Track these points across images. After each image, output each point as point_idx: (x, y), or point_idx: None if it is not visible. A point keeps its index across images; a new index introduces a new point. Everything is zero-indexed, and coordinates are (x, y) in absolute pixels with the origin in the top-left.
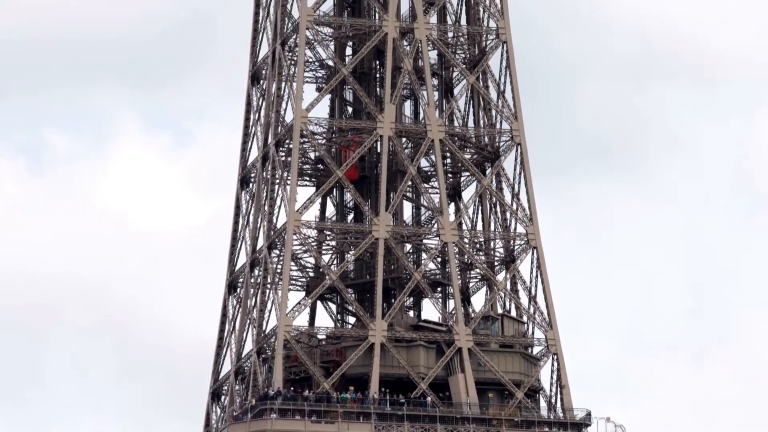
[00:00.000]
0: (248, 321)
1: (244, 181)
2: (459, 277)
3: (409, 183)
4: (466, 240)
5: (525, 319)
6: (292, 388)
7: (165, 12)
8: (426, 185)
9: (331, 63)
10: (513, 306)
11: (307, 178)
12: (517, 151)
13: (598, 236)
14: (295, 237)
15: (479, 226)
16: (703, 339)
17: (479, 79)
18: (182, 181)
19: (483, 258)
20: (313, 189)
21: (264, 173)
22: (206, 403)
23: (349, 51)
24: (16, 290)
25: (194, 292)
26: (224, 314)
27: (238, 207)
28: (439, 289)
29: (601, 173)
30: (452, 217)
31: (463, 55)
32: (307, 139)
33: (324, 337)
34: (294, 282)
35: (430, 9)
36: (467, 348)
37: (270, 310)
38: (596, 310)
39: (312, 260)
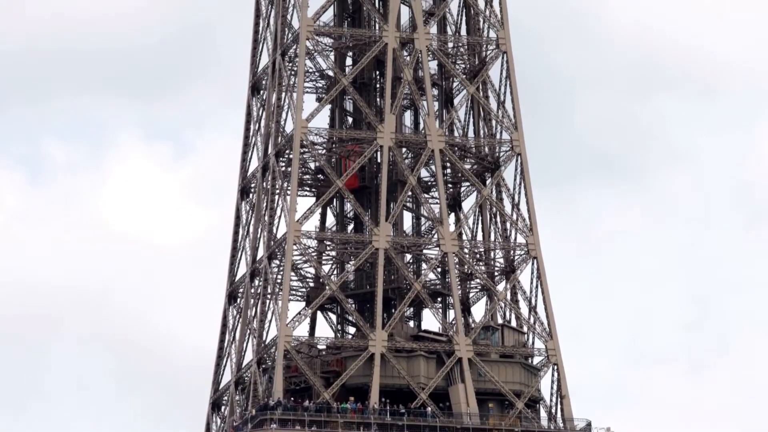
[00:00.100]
0: (248, 331)
1: (244, 192)
2: (459, 287)
3: (410, 193)
4: (466, 250)
5: (525, 329)
6: (292, 399)
7: (165, 23)
8: (426, 195)
9: (331, 73)
10: (513, 316)
11: (307, 189)
12: (517, 161)
13: (598, 246)
14: (295, 247)
15: (479, 236)
16: (702, 350)
17: (479, 90)
18: (182, 192)
19: (483, 268)
20: (314, 199)
21: (264, 183)
22: (206, 414)
23: (349, 61)
24: (16, 301)
25: (194, 302)
26: (224, 324)
27: (238, 217)
28: (439, 299)
29: (601, 184)
30: (452, 228)
31: (463, 66)
32: (307, 149)
33: (324, 347)
34: (294, 292)
35: (430, 19)
36: (467, 358)
37: (270, 321)
38: (596, 320)
39: (312, 270)
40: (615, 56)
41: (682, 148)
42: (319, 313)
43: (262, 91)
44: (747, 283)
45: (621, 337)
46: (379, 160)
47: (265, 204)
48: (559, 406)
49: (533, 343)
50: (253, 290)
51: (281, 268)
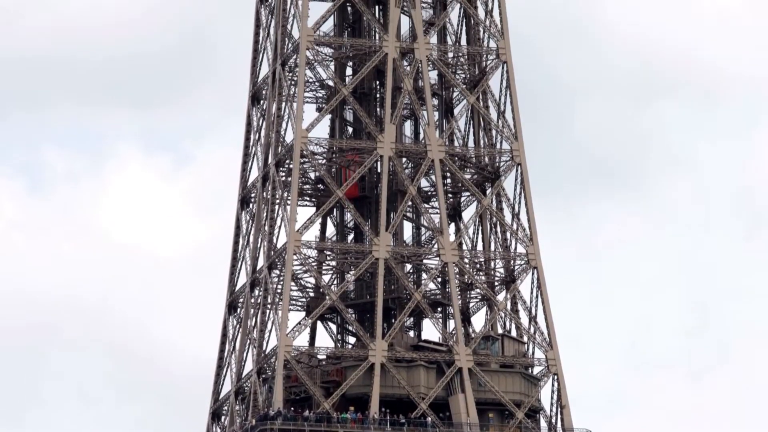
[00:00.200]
0: (248, 341)
1: (244, 202)
2: (459, 297)
3: (410, 203)
4: (466, 260)
5: (525, 339)
6: (292, 408)
7: (165, 32)
8: (426, 205)
9: (331, 83)
10: (513, 326)
11: (308, 198)
12: (517, 171)
13: (598, 255)
14: (295, 257)
15: (479, 246)
16: (703, 358)
17: (479, 99)
18: (182, 202)
19: (483, 278)
20: (314, 209)
21: (264, 193)
22: (206, 424)
23: (349, 71)
24: (16, 310)
25: (194, 312)
26: (224, 334)
27: (238, 227)
28: (439, 309)
29: (602, 192)
30: (452, 237)
31: (464, 75)
32: (307, 159)
33: (324, 357)
34: (294, 302)
35: (431, 29)
36: (467, 368)
37: (270, 330)
38: (596, 329)
39: (312, 280)
40: (615, 64)
41: (682, 156)
42: (319, 322)
43: (262, 101)
44: (747, 289)
45: (621, 345)
46: (379, 170)
47: (265, 214)
48: (559, 416)
49: (533, 352)
50: (253, 300)
51: (281, 278)
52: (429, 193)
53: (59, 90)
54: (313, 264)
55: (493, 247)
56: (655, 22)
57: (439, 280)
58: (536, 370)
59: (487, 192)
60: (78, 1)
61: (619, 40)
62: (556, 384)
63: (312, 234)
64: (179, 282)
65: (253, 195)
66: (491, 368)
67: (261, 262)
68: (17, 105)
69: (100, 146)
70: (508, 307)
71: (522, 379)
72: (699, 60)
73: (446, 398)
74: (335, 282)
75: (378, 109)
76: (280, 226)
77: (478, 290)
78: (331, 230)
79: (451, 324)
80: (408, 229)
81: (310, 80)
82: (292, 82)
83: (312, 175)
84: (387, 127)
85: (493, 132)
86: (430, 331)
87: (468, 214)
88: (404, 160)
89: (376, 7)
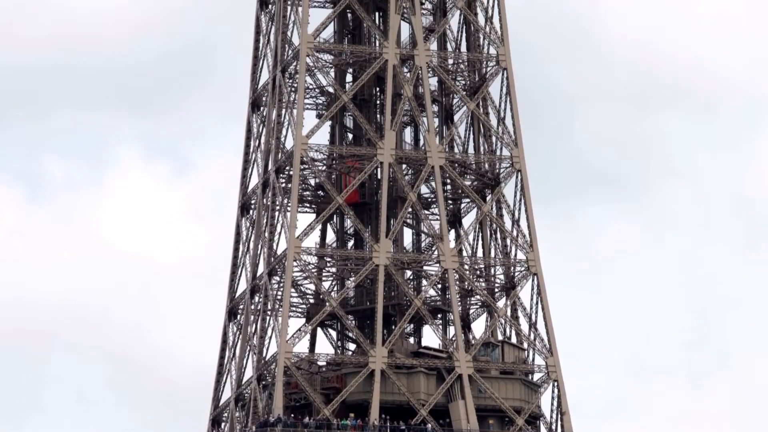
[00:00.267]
0: (248, 348)
1: (244, 208)
2: (459, 303)
3: (410, 209)
4: (466, 267)
5: (525, 345)
6: (292, 415)
7: (165, 39)
8: (426, 212)
9: (331, 90)
10: (513, 332)
11: (308, 205)
12: (517, 177)
13: (598, 262)
14: (295, 263)
15: (479, 253)
16: (703, 366)
17: (479, 106)
18: (182, 208)
19: (483, 284)
20: (314, 215)
21: (264, 200)
22: (206, 430)
23: (349, 78)
24: (16, 317)
25: (194, 318)
26: (224, 341)
27: (238, 234)
28: (439, 315)
29: (602, 200)
30: (452, 244)
31: (464, 82)
32: (307, 166)
33: (324, 363)
34: (294, 309)
35: (431, 36)
36: (468, 375)
37: (270, 337)
38: (596, 336)
39: (312, 287)
40: (615, 72)
41: (682, 164)
42: (319, 329)
43: (262, 108)
44: (747, 298)
45: (621, 352)
46: (379, 177)
47: (265, 220)
48: (559, 423)
49: (533, 359)
50: (253, 306)
51: (281, 285)
52: (429, 199)
53: (59, 97)
54: (313, 270)
55: (493, 254)
56: (656, 31)
57: (439, 286)
58: (536, 376)
59: (487, 198)
60: (78, 8)
61: (620, 48)
62: (556, 390)
63: (312, 240)
64: (179, 288)
65: (253, 201)
66: (491, 375)
67: (261, 269)
68: (17, 112)
69: (100, 153)
70: (508, 313)
71: (522, 386)
72: (699, 69)
73: (446, 405)
74: (335, 288)
75: (378, 116)
76: (280, 233)
77: (478, 297)
78: (331, 237)
79: (451, 330)
80: (408, 235)
81: (310, 87)
82: (293, 89)
83: (312, 182)
84: (387, 134)
85: (493, 138)
86: (430, 337)
87: (468, 220)
88: (404, 166)
89: (376, 14)
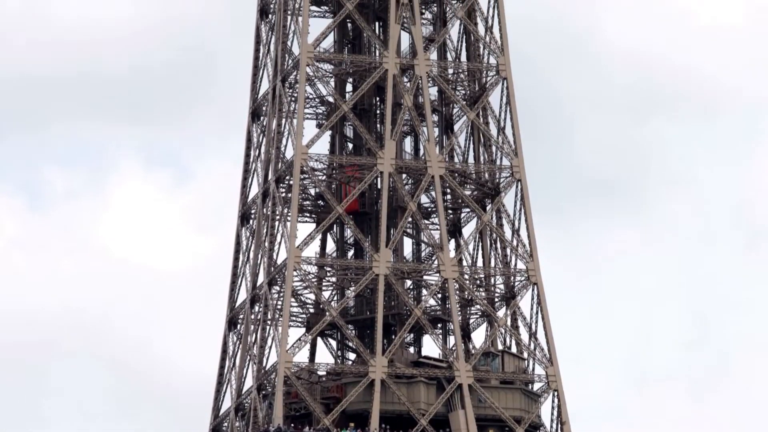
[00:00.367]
0: (248, 357)
1: (244, 218)
2: (459, 313)
3: (410, 219)
4: (466, 276)
5: (525, 355)
6: (292, 425)
7: (165, 49)
8: (426, 221)
9: (331, 99)
10: (513, 342)
11: (308, 215)
12: (517, 187)
13: (598, 271)
14: (295, 273)
15: (479, 263)
16: (703, 373)
17: (479, 116)
18: (182, 218)
19: (483, 294)
20: (314, 225)
21: (264, 209)
22: None
23: (349, 87)
24: (16, 327)
25: (194, 328)
26: (224, 350)
27: (238, 243)
28: (439, 325)
29: (601, 208)
30: (452, 254)
31: (464, 92)
32: (307, 176)
33: (324, 373)
34: (294, 318)
35: (431, 45)
36: (468, 384)
37: (270, 347)
38: (596, 345)
39: (312, 296)
40: (614, 80)
41: (681, 171)
42: (319, 339)
43: (262, 117)
44: (747, 303)
45: (621, 362)
46: (379, 186)
47: (265, 230)
48: None
49: (533, 369)
50: (253, 316)
51: (281, 294)
52: (429, 209)
53: (59, 106)
54: (313, 280)
55: (493, 263)
56: (654, 39)
57: (439, 296)
58: (536, 386)
59: (487, 208)
60: (77, 17)
61: (618, 56)
62: (556, 400)
63: (312, 250)
64: (180, 298)
65: (253, 211)
66: (491, 384)
67: (261, 278)
68: (17, 122)
69: (101, 162)
70: (508, 323)
71: (522, 396)
72: (697, 76)
73: (446, 414)
74: (335, 298)
75: (378, 126)
76: (280, 242)
77: (478, 306)
78: (331, 246)
79: (451, 340)
80: (408, 245)
81: (311, 96)
82: (293, 99)
83: (312, 192)
84: (387, 144)
85: (493, 148)
86: (430, 347)
87: (468, 230)
88: (404, 176)
89: (377, 24)
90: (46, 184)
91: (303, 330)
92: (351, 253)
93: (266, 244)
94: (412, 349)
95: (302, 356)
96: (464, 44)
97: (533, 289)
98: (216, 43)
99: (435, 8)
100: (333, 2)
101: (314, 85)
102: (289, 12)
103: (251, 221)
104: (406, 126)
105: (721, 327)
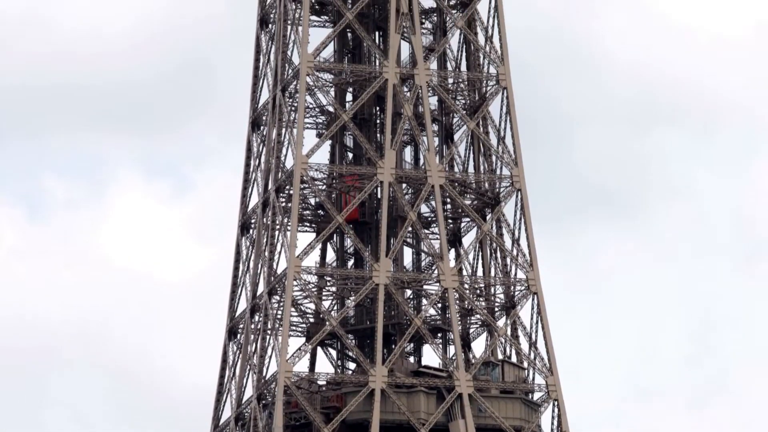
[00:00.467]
0: (248, 367)
1: (244, 227)
2: (459, 322)
3: (410, 229)
4: (466, 286)
5: (525, 365)
6: None
7: (165, 58)
8: (426, 231)
9: (331, 109)
10: (513, 352)
11: (308, 224)
12: (517, 196)
13: (598, 281)
14: (295, 283)
15: (480, 272)
16: (702, 386)
17: (479, 125)
18: (182, 228)
19: (483, 304)
20: (314, 235)
21: (264, 219)
22: None
23: (349, 97)
24: (16, 336)
25: (194, 338)
26: (224, 360)
27: (238, 253)
28: (439, 334)
29: (601, 219)
30: (452, 263)
31: (464, 101)
32: (307, 185)
33: (324, 382)
34: (294, 328)
35: (431, 55)
36: (468, 394)
37: (270, 356)
38: (597, 355)
39: (312, 306)
40: (614, 92)
41: (681, 183)
42: (319, 348)
43: (262, 127)
44: (747, 317)
45: (621, 372)
46: (379, 196)
47: (265, 240)
48: None
49: (533, 378)
50: (253, 326)
51: (281, 304)
52: (429, 218)
53: (59, 116)
54: (313, 290)
55: (493, 273)
56: (655, 50)
57: (440, 305)
58: (536, 395)
59: (487, 218)
60: (77, 27)
61: (619, 67)
62: (556, 410)
63: (312, 260)
64: (179, 307)
65: (253, 221)
66: (491, 394)
67: (261, 288)
68: (17, 132)
69: (100, 172)
70: (509, 332)
71: (522, 405)
72: (698, 88)
73: (446, 424)
74: (335, 308)
75: (378, 135)
76: (280, 252)
77: (478, 316)
78: (331, 256)
79: (452, 350)
80: (408, 254)
81: (311, 106)
82: (293, 108)
83: (312, 201)
84: (387, 153)
85: (493, 158)
86: (431, 356)
87: (468, 239)
88: (404, 185)
89: (377, 33)
90: (46, 193)
91: (303, 340)
92: (351, 262)
93: (266, 253)
94: (412, 359)
95: (302, 366)
96: (464, 54)
97: (533, 299)
98: (216, 52)
99: (435, 18)
100: (333, 12)
101: (314, 94)
102: (289, 22)
103: (251, 231)
104: (406, 135)
105: (720, 338)
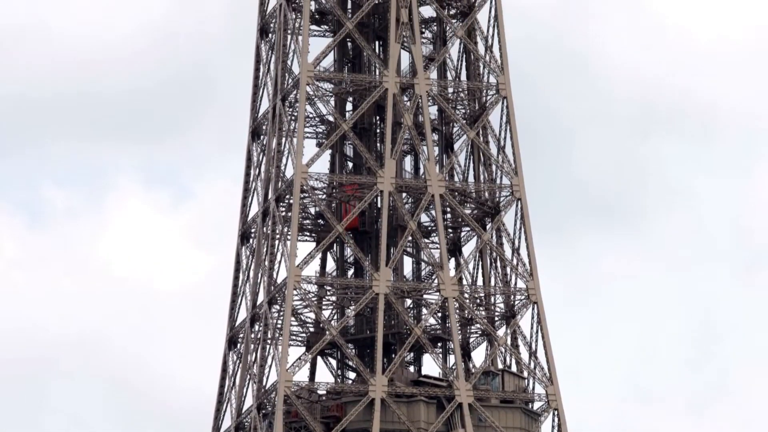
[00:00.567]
0: (248, 376)
1: (244, 237)
2: (459, 332)
3: (410, 238)
4: (466, 295)
5: (525, 374)
6: None
7: (165, 67)
8: (426, 240)
9: (331, 118)
10: (513, 361)
11: (308, 233)
12: (517, 206)
13: (598, 290)
14: (295, 292)
15: (479, 281)
16: (702, 392)
17: (479, 135)
18: (182, 236)
19: (483, 313)
20: (314, 244)
21: (264, 228)
22: None
23: (349, 106)
24: (15, 345)
25: (194, 347)
26: (224, 370)
27: (238, 262)
28: (439, 344)
29: (601, 228)
30: (452, 273)
31: (464, 111)
32: (307, 194)
33: (324, 392)
34: (294, 337)
35: (431, 65)
36: (468, 403)
37: (270, 366)
38: (597, 364)
39: (312, 315)
40: (613, 100)
41: (680, 191)
42: (319, 358)
43: (262, 136)
44: (746, 323)
45: (621, 381)
46: (379, 205)
47: (265, 249)
48: None
49: (534, 388)
50: (253, 335)
51: (281, 313)
52: (429, 228)
53: (59, 125)
54: (313, 299)
55: (493, 282)
56: (653, 58)
57: (440, 315)
58: (537, 405)
59: (487, 227)
60: (77, 37)
61: (617, 76)
62: (556, 419)
63: (312, 269)
64: (179, 317)
65: (253, 230)
66: (491, 403)
67: (261, 297)
68: (17, 141)
69: (100, 181)
70: (509, 342)
71: (522, 415)
72: (696, 96)
73: None
74: (335, 317)
75: (378, 144)
76: (280, 262)
77: (478, 325)
78: (331, 265)
79: (452, 359)
80: (408, 264)
81: (311, 115)
82: (293, 118)
83: (312, 210)
84: (387, 162)
85: (493, 167)
86: (431, 366)
87: (468, 249)
88: (404, 195)
89: (377, 43)
90: (46, 202)
91: (303, 349)
92: (351, 272)
93: (266, 263)
94: (412, 368)
95: (302, 375)
96: (464, 63)
97: (533, 308)
98: (216, 62)
99: (435, 27)
100: (333, 21)
101: (314, 104)
102: (289, 31)
103: (251, 240)
104: (406, 145)
105: (720, 343)
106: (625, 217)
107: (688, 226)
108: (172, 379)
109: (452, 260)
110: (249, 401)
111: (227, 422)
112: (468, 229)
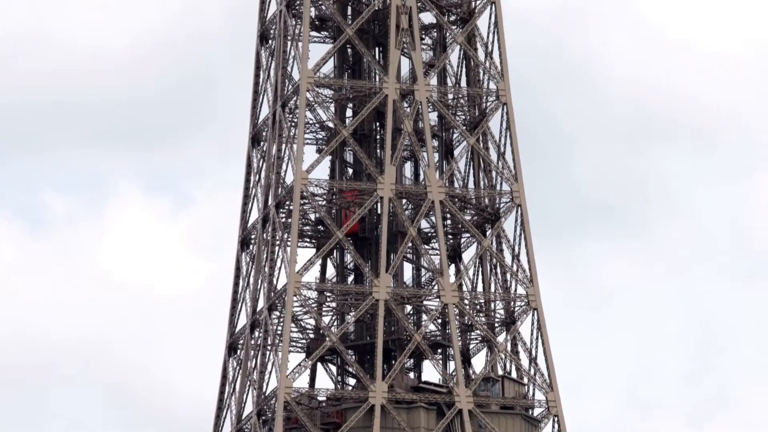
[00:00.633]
0: (248, 383)
1: (244, 243)
2: (459, 338)
3: (410, 244)
4: (466, 301)
5: (525, 380)
6: None
7: (165, 74)
8: (426, 246)
9: (331, 124)
10: (513, 367)
11: (308, 240)
12: (517, 212)
13: (598, 296)
14: (295, 298)
15: (480, 288)
16: (703, 401)
17: (479, 141)
18: (182, 243)
19: (483, 319)
20: (314, 250)
21: (264, 235)
22: None
23: (349, 113)
24: (15, 351)
25: (194, 353)
26: (224, 376)
27: (238, 269)
28: (439, 350)
29: (601, 234)
30: (452, 279)
31: (464, 117)
32: (307, 201)
33: (324, 398)
34: (294, 343)
35: (431, 71)
36: (468, 409)
37: (270, 372)
38: (596, 370)
39: (312, 322)
40: (613, 107)
41: (679, 198)
42: (319, 364)
43: (262, 143)
44: (747, 332)
45: (621, 388)
46: (379, 211)
47: (265, 255)
48: None
49: (534, 394)
50: (253, 341)
51: (281, 320)
52: (429, 234)
53: (59, 132)
54: (313, 305)
55: (493, 289)
56: (653, 66)
57: (440, 321)
58: (537, 411)
59: (487, 233)
60: (77, 44)
61: (617, 83)
62: (556, 426)
63: (312, 275)
64: (179, 323)
65: (253, 236)
66: (491, 410)
67: (261, 304)
68: (17, 148)
69: (100, 188)
70: (509, 348)
71: (522, 421)
72: (696, 104)
73: None
74: (335, 323)
75: (378, 151)
76: (280, 268)
77: (478, 331)
78: (331, 271)
79: (452, 365)
80: (408, 270)
81: (311, 122)
82: (293, 124)
83: (312, 217)
84: (387, 169)
85: (493, 173)
86: (431, 372)
87: (468, 255)
88: (404, 201)
89: (377, 49)
90: (46, 209)
91: (303, 355)
92: (351, 278)
93: (266, 269)
94: (412, 375)
95: (302, 382)
96: (464, 70)
97: (533, 314)
98: (216, 68)
99: (435, 33)
100: (333, 28)
101: (314, 110)
102: (289, 37)
103: (251, 246)
104: (406, 151)
105: (721, 352)
106: (625, 223)
107: (687, 233)
108: (172, 385)
109: (452, 266)
110: (249, 407)
111: (227, 428)
112: (468, 235)
